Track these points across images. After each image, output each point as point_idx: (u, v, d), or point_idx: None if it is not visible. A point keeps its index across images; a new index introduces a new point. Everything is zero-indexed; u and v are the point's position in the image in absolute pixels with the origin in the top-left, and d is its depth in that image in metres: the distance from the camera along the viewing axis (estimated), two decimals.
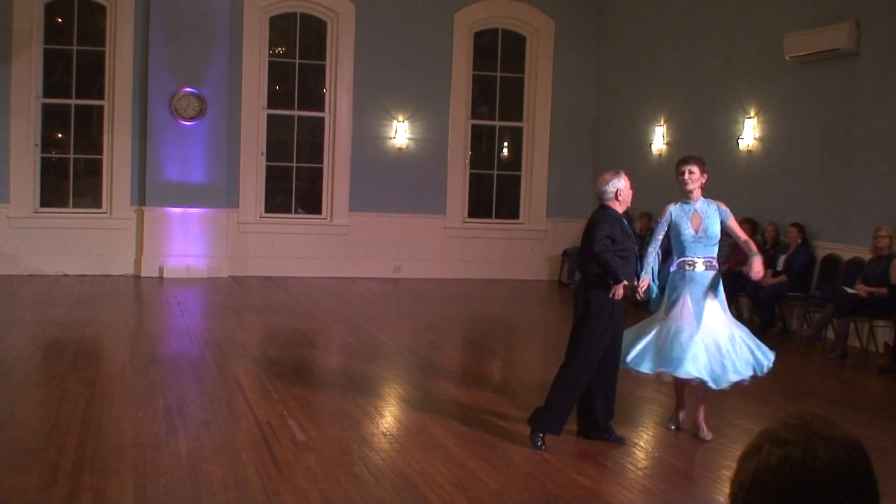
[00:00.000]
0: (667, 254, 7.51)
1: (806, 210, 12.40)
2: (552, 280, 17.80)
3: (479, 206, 18.19)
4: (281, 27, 17.20)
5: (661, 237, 7.31)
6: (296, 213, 17.36)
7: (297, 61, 17.27)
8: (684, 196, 7.25)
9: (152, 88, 15.85)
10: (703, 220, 7.15)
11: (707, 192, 7.37)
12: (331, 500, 5.55)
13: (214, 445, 6.48)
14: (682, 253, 7.19)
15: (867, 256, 11.18)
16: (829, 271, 12.11)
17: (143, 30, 15.87)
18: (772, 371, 7.15)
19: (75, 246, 15.84)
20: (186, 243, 16.09)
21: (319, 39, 17.26)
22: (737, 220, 7.45)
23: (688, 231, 7.14)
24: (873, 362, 10.53)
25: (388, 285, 16.39)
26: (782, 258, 12.43)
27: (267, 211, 17.04)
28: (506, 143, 18.74)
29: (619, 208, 6.97)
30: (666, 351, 7.01)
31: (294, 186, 17.44)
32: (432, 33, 17.33)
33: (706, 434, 7.12)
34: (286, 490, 5.64)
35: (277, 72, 17.22)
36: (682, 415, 7.41)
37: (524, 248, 18.01)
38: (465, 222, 17.87)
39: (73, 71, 16.25)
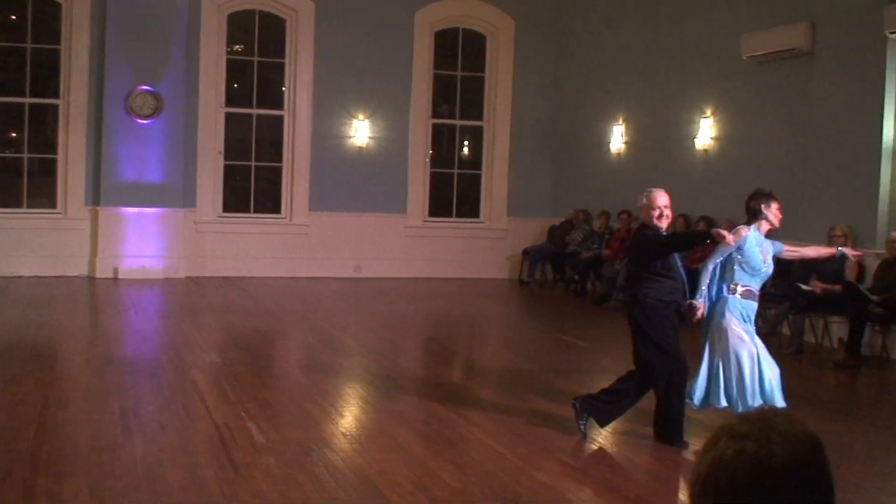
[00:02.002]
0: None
1: None
2: (512, 279, 17.83)
3: (439, 206, 18.18)
4: (239, 24, 17.09)
5: (721, 258, 7.05)
6: (255, 212, 17.24)
7: (256, 59, 17.16)
8: (762, 227, 7.10)
9: (108, 86, 15.66)
10: (767, 255, 7.09)
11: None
12: (290, 501, 5.51)
13: (171, 448, 6.41)
14: (748, 279, 7.03)
15: None
16: (783, 268, 12.21)
17: (99, 27, 15.68)
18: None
19: (29, 247, 15.59)
20: (142, 244, 15.91)
21: (278, 37, 17.15)
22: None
23: (760, 262, 7.02)
24: (828, 357, 10.66)
25: (348, 285, 16.32)
26: None
27: (225, 210, 16.91)
28: (466, 142, 18.75)
29: (654, 225, 6.93)
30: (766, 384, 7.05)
31: (253, 185, 17.32)
32: (393, 32, 17.29)
33: None
34: (245, 492, 5.59)
35: (236, 70, 17.11)
36: None
37: (485, 247, 18.03)
38: (425, 221, 17.85)
39: (28, 69, 16.02)
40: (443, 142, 18.58)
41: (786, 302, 11.29)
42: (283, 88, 17.17)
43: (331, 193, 17.08)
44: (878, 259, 10.71)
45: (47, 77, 16.09)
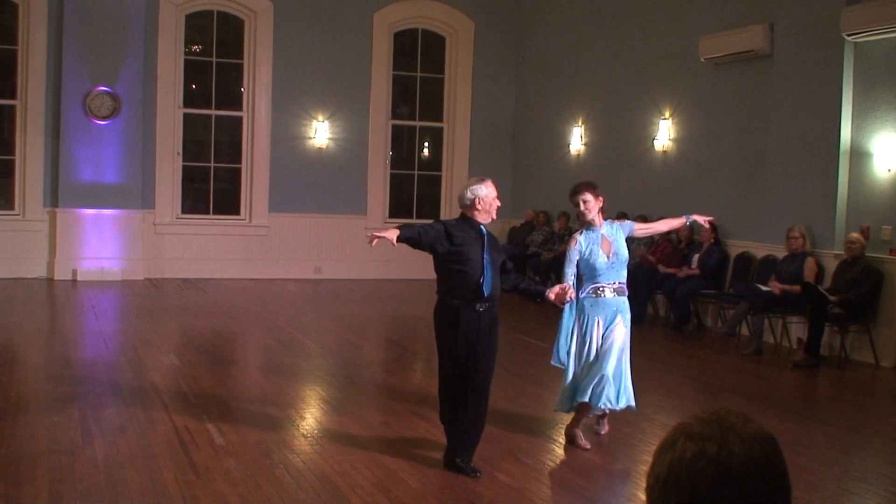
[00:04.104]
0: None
1: (719, 209, 12.61)
2: None
3: (399, 207, 18.17)
4: (197, 25, 16.97)
5: (575, 263, 7.00)
6: (213, 213, 17.13)
7: (214, 60, 17.07)
8: (585, 225, 7.05)
9: (66, 87, 15.50)
10: (612, 244, 6.98)
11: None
12: None
13: (131, 451, 6.37)
14: (595, 279, 6.98)
15: (780, 254, 11.43)
16: (742, 269, 12.35)
17: (56, 27, 15.52)
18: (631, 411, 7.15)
19: None
20: (100, 245, 15.77)
21: (237, 38, 17.08)
22: (645, 219, 7.39)
23: (601, 259, 6.93)
24: (787, 357, 10.74)
25: (308, 286, 16.28)
26: (696, 256, 12.66)
27: (184, 212, 16.79)
28: (426, 144, 18.75)
29: (480, 218, 6.37)
30: (593, 385, 6.84)
31: (212, 187, 17.21)
32: (352, 32, 17.26)
33: (586, 443, 6.95)
34: (205, 495, 5.56)
35: (194, 70, 16.99)
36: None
37: None
38: (385, 223, 17.80)
39: None
40: (402, 143, 18.58)
41: (744, 303, 11.40)
42: (242, 89, 17.08)
43: (290, 195, 17.03)
44: (836, 260, 10.84)
45: (4, 77, 15.88)
